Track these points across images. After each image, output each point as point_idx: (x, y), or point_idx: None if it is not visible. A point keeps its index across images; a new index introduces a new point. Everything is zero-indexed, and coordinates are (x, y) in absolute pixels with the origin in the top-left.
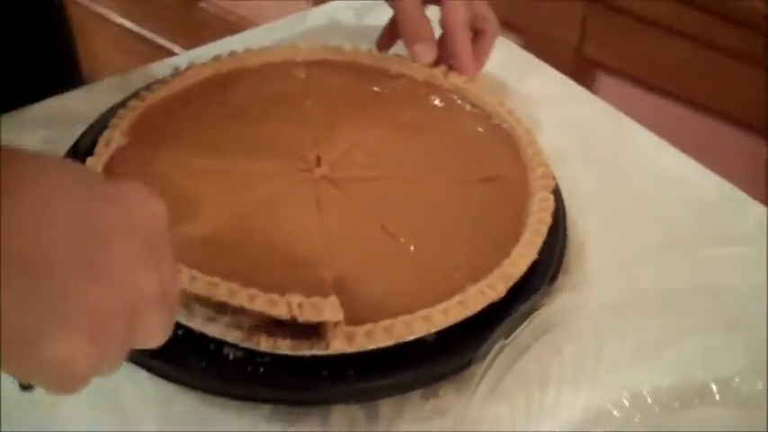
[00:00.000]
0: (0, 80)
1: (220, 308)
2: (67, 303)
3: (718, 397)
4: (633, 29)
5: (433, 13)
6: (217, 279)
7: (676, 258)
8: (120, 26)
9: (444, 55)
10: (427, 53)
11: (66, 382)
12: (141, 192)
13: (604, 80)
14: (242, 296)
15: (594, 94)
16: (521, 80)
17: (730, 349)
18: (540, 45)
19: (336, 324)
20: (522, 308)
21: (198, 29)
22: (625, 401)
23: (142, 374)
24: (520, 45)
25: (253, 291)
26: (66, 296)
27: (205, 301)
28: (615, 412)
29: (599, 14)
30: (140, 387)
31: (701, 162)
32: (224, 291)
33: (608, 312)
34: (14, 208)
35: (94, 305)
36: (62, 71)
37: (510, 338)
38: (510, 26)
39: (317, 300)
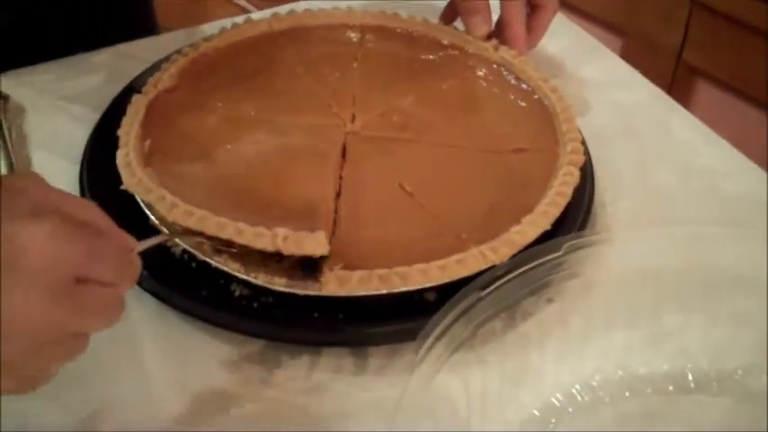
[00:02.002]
0: (77, 26)
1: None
2: None
3: (716, 386)
4: (737, 36)
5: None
6: (209, 214)
7: (698, 247)
8: (239, 6)
9: (500, 30)
10: (482, 26)
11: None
12: (45, 240)
13: (702, 86)
14: (230, 230)
15: (691, 99)
16: (581, 63)
17: (740, 343)
18: (639, 47)
19: (331, 266)
20: (507, 265)
21: None
22: (616, 379)
23: (150, 300)
24: (618, 46)
25: (241, 225)
26: None
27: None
28: (600, 390)
29: (703, 20)
30: (147, 311)
31: None
32: (213, 225)
33: (621, 291)
34: None
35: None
36: (138, 22)
37: (485, 291)
38: (610, 27)
39: (302, 234)
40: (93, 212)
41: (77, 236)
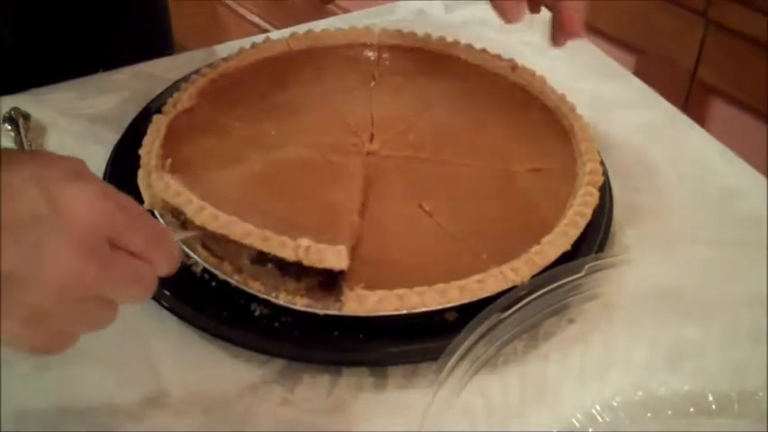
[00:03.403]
0: (94, 44)
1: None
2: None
3: (737, 407)
4: (751, 55)
5: None
6: (235, 218)
7: (717, 267)
8: (256, 25)
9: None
10: (511, 10)
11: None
12: (84, 197)
13: (717, 105)
14: (255, 237)
15: (706, 118)
16: (597, 82)
17: (761, 363)
18: (653, 66)
19: (351, 286)
20: (528, 285)
21: None
22: (636, 399)
23: (170, 319)
24: (632, 64)
25: (267, 233)
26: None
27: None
28: (621, 411)
29: (718, 38)
30: (167, 330)
31: None
32: (239, 230)
33: (641, 311)
34: None
35: (29, 298)
36: (155, 41)
37: (507, 312)
38: (624, 45)
39: (323, 246)
40: (131, 201)
41: (116, 203)
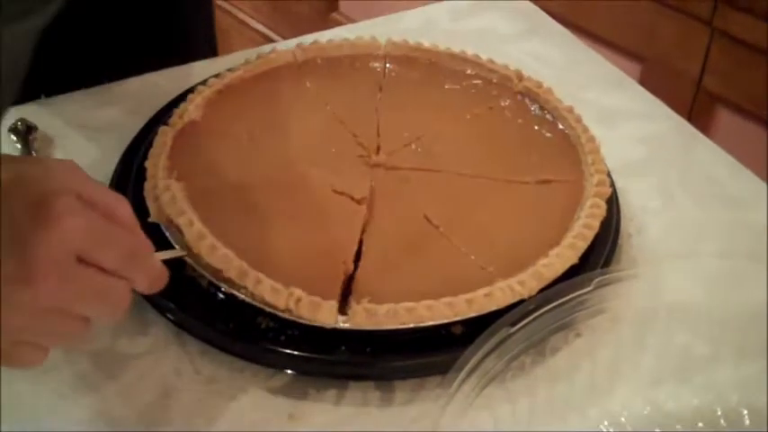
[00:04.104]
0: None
1: None
2: None
3: (746, 422)
4: (757, 63)
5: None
6: (231, 254)
7: (726, 280)
8: (258, 32)
9: None
10: None
11: None
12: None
13: (722, 113)
14: (250, 278)
15: (711, 127)
16: (604, 92)
17: None
18: (658, 75)
19: (358, 300)
20: (537, 300)
21: None
22: (644, 414)
23: (176, 332)
24: (637, 73)
25: (260, 275)
26: None
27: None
28: (628, 425)
29: (723, 46)
30: (172, 343)
31: None
32: (234, 268)
33: (649, 325)
34: None
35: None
36: (200, 48)
37: (516, 327)
38: (629, 54)
39: (315, 299)
40: (122, 208)
41: (86, 217)
